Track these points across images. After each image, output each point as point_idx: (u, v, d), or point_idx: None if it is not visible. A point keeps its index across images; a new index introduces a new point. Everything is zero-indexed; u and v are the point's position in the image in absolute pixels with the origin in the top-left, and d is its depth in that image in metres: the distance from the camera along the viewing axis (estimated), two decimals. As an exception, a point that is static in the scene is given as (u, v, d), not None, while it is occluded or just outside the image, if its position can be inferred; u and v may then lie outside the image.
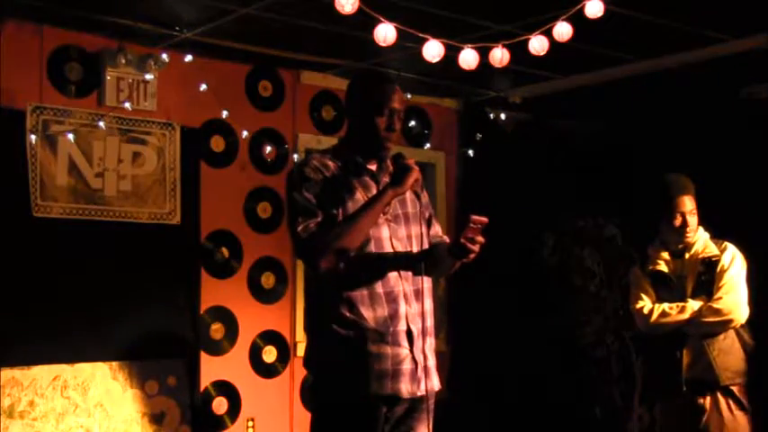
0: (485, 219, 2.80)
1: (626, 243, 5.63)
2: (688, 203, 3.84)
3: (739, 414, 3.80)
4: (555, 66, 5.03)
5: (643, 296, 3.91)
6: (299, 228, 2.82)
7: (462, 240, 2.81)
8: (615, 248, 5.66)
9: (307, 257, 2.88)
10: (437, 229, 3.15)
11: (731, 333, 3.81)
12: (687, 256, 3.88)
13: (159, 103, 4.69)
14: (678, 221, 3.83)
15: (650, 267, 3.94)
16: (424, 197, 3.08)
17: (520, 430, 5.57)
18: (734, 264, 3.81)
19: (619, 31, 4.31)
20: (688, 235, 3.84)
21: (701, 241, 3.89)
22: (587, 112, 5.92)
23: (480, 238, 2.82)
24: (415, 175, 2.87)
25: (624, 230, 5.66)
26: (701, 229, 3.90)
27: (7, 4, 4.12)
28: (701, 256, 3.86)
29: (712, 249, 3.86)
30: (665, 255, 3.93)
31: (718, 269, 3.79)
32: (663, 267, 3.91)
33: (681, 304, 3.81)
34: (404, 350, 2.89)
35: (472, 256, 2.84)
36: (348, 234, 2.79)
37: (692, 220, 3.84)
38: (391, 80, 3.03)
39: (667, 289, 3.89)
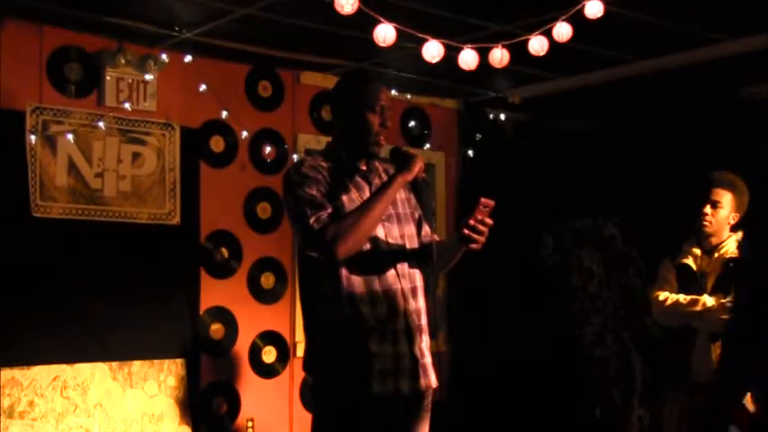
0: (492, 202, 2.83)
1: (625, 243, 5.63)
2: (720, 195, 3.86)
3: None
4: (555, 66, 5.02)
5: (664, 285, 3.97)
6: (311, 220, 2.80)
7: (472, 222, 2.82)
8: (615, 248, 5.66)
9: (324, 247, 2.79)
10: (427, 229, 3.16)
11: None
12: (716, 254, 3.90)
13: (159, 103, 4.69)
14: (704, 209, 3.86)
15: (678, 260, 3.98)
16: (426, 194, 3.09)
17: (519, 430, 5.56)
18: None
19: (619, 31, 4.31)
20: (704, 224, 3.87)
21: (732, 243, 3.89)
22: (587, 112, 5.92)
23: (489, 221, 2.84)
24: (420, 161, 2.90)
25: (624, 230, 5.66)
26: (738, 233, 3.91)
27: (7, 4, 4.12)
28: (728, 256, 3.86)
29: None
30: (696, 251, 3.96)
31: None
32: (690, 262, 3.94)
33: (695, 297, 3.83)
34: (404, 348, 2.90)
35: (482, 239, 2.85)
36: (364, 220, 2.79)
37: (718, 213, 3.86)
38: (377, 79, 3.06)
39: (690, 283, 3.91)
